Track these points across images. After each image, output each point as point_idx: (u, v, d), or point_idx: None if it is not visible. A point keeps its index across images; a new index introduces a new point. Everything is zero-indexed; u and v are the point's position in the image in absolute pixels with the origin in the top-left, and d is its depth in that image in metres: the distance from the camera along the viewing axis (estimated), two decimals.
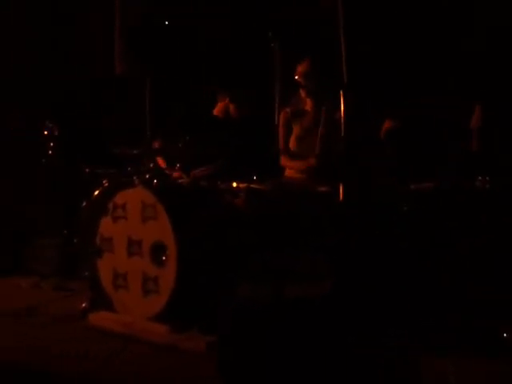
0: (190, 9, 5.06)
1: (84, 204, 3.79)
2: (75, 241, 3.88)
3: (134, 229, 3.61)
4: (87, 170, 4.06)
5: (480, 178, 3.90)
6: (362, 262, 3.73)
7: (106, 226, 3.72)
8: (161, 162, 4.50)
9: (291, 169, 4.38)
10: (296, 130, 4.38)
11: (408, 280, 3.76)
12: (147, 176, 3.68)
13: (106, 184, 3.75)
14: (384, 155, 4.77)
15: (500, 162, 4.02)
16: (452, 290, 3.72)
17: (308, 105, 4.40)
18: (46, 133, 4.23)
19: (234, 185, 3.83)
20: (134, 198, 3.61)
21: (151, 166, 3.75)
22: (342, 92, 3.62)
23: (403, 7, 4.74)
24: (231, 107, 4.83)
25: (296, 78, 4.29)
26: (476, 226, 3.80)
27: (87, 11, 5.14)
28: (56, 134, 4.16)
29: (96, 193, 3.73)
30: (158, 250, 3.52)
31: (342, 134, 3.68)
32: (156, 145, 4.57)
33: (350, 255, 3.67)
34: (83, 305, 3.75)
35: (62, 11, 5.21)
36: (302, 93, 4.37)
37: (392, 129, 4.66)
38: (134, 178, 3.68)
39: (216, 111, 4.92)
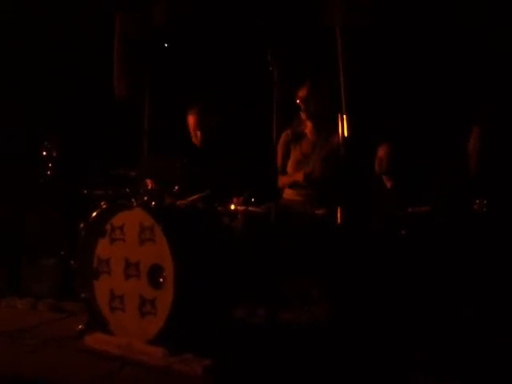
0: (189, 32, 5.09)
1: (81, 225, 3.78)
2: (72, 262, 3.87)
3: (131, 251, 3.60)
4: (85, 191, 4.06)
5: (478, 201, 3.91)
6: (359, 286, 3.72)
7: (103, 247, 3.72)
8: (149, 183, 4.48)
9: (282, 185, 4.38)
10: (295, 153, 4.39)
11: (406, 304, 3.76)
12: (145, 198, 3.68)
13: (104, 205, 3.75)
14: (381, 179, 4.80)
15: (498, 185, 4.02)
16: (450, 313, 3.71)
17: (308, 128, 4.42)
18: (44, 153, 4.24)
19: (232, 207, 3.83)
20: (131, 219, 3.61)
21: (149, 187, 3.75)
22: (340, 116, 3.64)
23: (401, 30, 4.77)
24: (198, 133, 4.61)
25: (297, 102, 4.32)
26: (474, 250, 3.81)
27: (87, 35, 5.15)
28: (54, 154, 4.17)
29: (94, 214, 3.72)
30: (155, 272, 3.52)
31: (341, 158, 3.70)
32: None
33: (348, 279, 3.66)
34: (79, 326, 3.73)
35: (62, 35, 5.22)
36: (303, 116, 4.39)
37: (389, 153, 4.69)
38: (132, 199, 3.68)
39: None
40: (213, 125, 4.58)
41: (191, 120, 4.60)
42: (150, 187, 4.17)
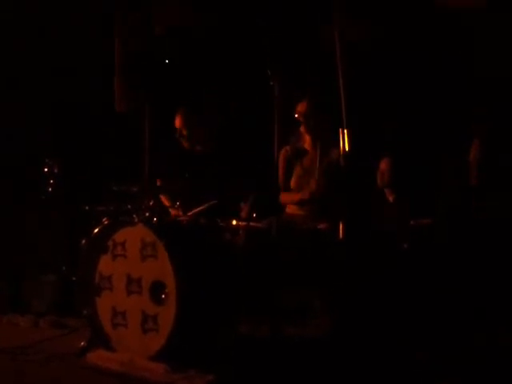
0: (189, 47, 5.10)
1: (83, 241, 3.79)
2: (74, 278, 3.87)
3: (133, 267, 3.60)
4: (87, 207, 4.06)
5: (478, 211, 3.92)
6: (361, 299, 3.72)
7: (105, 263, 3.72)
8: (164, 199, 4.49)
9: (287, 202, 4.37)
10: (297, 169, 4.37)
11: (407, 316, 3.76)
12: (147, 214, 3.68)
13: (106, 222, 3.76)
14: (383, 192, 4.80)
15: (498, 195, 4.03)
16: (454, 328, 3.71)
17: (307, 143, 4.41)
18: (45, 170, 4.25)
19: (234, 223, 3.83)
20: (133, 235, 3.61)
21: (151, 203, 3.75)
22: (340, 130, 3.64)
23: (401, 47, 4.79)
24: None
25: (296, 116, 4.31)
26: (475, 259, 3.81)
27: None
28: (56, 171, 4.17)
29: (95, 230, 3.73)
30: (157, 288, 3.51)
31: (341, 172, 3.70)
32: (158, 182, 4.58)
33: (350, 292, 3.66)
34: (82, 343, 3.72)
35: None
36: (302, 129, 4.38)
37: (391, 167, 4.69)
38: (134, 215, 3.68)
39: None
40: (198, 124, 4.59)
41: (177, 119, 4.61)
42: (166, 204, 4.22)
